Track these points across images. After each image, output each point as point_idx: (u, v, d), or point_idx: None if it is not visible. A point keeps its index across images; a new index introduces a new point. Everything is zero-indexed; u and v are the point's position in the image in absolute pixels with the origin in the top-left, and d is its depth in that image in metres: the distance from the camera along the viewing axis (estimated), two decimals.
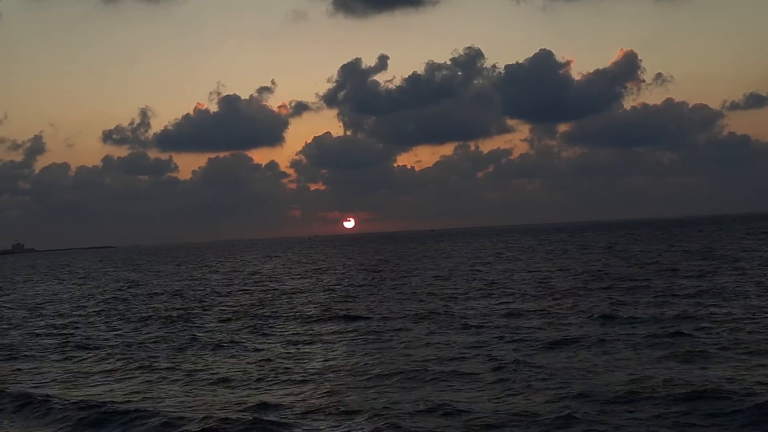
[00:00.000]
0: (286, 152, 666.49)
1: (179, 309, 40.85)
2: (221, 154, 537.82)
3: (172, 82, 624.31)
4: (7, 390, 20.54)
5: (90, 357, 26.15)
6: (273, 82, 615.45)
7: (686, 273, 45.95)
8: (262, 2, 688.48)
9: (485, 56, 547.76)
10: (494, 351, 22.59)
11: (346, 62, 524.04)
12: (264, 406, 17.35)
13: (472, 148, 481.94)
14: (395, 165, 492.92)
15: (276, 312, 36.93)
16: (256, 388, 19.52)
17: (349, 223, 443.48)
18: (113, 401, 18.63)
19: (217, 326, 32.45)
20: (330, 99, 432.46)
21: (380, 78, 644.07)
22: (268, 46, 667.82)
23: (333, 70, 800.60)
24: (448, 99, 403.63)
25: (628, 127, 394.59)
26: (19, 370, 24.28)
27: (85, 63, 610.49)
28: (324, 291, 48.28)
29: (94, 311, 42.85)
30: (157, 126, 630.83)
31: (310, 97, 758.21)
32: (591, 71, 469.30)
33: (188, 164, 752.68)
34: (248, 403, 17.75)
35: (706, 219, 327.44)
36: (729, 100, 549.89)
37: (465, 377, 19.22)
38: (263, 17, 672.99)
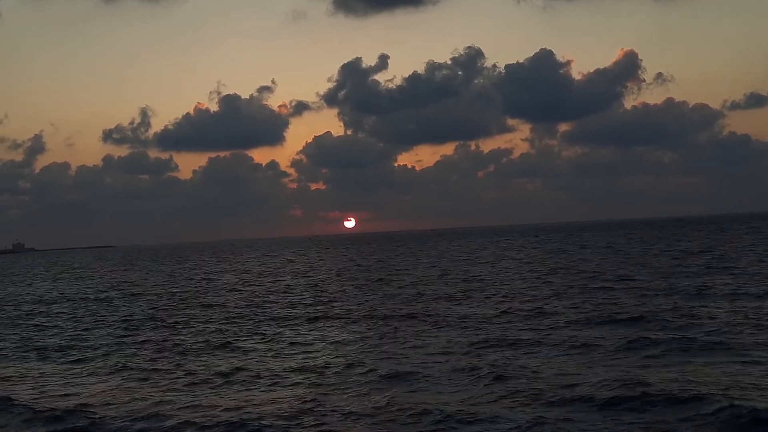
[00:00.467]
0: (287, 152, 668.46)
1: (167, 310, 40.62)
2: (221, 154, 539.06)
3: (173, 82, 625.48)
4: None
5: (71, 359, 25.85)
6: (273, 82, 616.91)
7: (683, 273, 45.69)
8: (262, 2, 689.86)
9: (485, 56, 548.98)
10: (481, 352, 22.40)
11: (346, 62, 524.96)
12: (250, 407, 17.10)
13: (473, 147, 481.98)
14: (396, 164, 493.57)
15: (265, 312, 36.68)
16: (243, 390, 19.25)
17: (350, 223, 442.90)
18: (91, 404, 18.36)
19: (205, 327, 32.18)
20: (330, 98, 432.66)
21: (380, 77, 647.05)
22: (269, 46, 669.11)
23: (333, 70, 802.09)
24: (448, 98, 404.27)
25: (628, 126, 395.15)
26: None
27: (85, 63, 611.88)
28: (316, 290, 48.04)
29: (80, 312, 42.61)
30: (157, 125, 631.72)
31: (310, 97, 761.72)
32: (591, 71, 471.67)
33: (188, 164, 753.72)
34: (235, 405, 17.50)
35: (707, 219, 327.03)
36: (729, 100, 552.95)
37: (453, 379, 19.02)
38: (263, 17, 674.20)
